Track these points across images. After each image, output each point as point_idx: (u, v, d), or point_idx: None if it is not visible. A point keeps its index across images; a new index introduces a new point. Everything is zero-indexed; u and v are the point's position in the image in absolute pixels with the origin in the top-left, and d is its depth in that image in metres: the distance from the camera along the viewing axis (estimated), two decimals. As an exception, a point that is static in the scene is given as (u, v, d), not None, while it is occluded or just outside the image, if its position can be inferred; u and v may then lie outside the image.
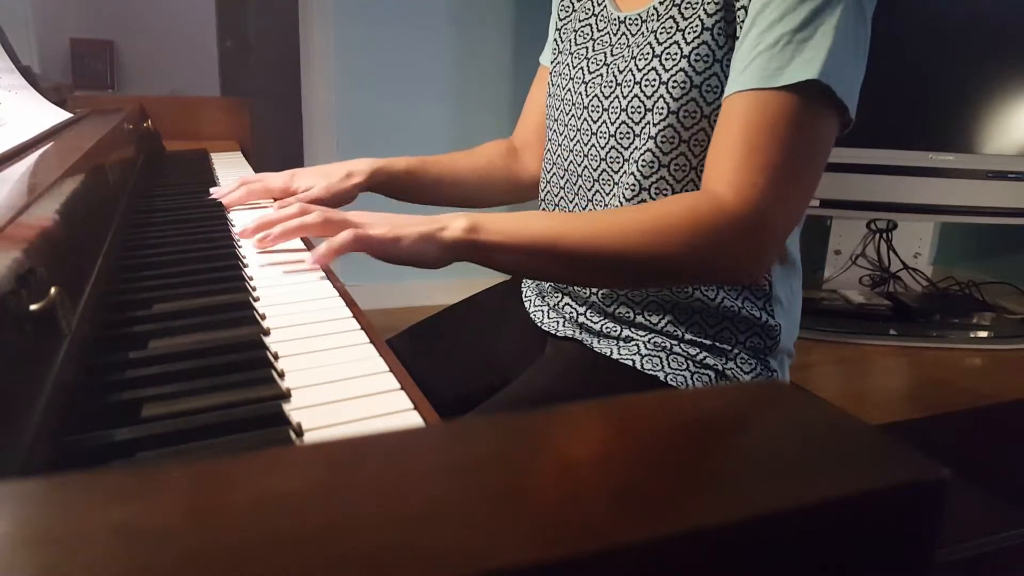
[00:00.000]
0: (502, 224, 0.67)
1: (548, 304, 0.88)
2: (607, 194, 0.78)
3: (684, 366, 0.75)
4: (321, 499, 0.18)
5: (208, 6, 3.27)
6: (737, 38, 0.69)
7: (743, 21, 0.68)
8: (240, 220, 0.85)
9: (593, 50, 0.81)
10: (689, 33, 0.71)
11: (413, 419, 0.43)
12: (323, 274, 0.67)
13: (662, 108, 0.72)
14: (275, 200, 0.90)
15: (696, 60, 0.70)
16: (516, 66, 2.61)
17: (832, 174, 2.23)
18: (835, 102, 0.65)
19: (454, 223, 0.67)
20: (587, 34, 0.83)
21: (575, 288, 0.82)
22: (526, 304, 0.91)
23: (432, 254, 0.67)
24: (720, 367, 0.76)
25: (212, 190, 0.93)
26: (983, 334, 2.23)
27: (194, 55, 3.23)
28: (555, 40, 0.89)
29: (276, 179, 0.90)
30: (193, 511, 0.17)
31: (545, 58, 0.95)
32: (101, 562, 0.15)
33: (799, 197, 0.67)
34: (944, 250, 2.76)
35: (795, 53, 0.63)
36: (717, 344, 0.76)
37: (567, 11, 0.87)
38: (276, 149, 2.86)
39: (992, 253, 2.68)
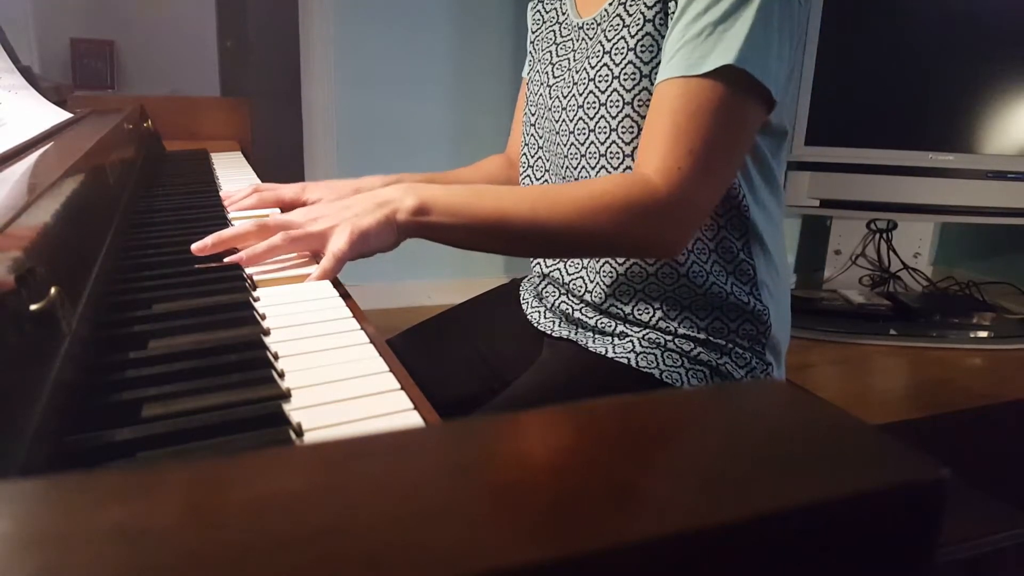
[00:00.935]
0: (448, 202, 0.69)
1: (544, 305, 0.88)
2: None
3: (679, 363, 0.76)
4: (321, 499, 0.18)
5: (208, 6, 3.27)
6: None
7: (673, 11, 0.72)
8: (241, 223, 0.85)
9: (557, 56, 0.86)
10: (633, 27, 0.75)
11: (413, 419, 0.43)
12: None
13: (617, 101, 0.76)
14: (283, 211, 0.90)
15: (642, 51, 0.74)
16: (516, 66, 2.61)
17: (832, 174, 2.23)
18: (755, 85, 0.69)
19: (403, 203, 0.68)
20: (551, 39, 0.88)
21: (571, 285, 0.84)
22: (523, 305, 0.92)
23: (390, 240, 0.68)
24: (715, 363, 0.77)
25: (222, 193, 0.93)
26: (983, 334, 2.23)
27: (194, 55, 3.23)
28: (530, 53, 0.94)
29: (288, 190, 0.90)
30: (193, 511, 0.17)
31: (525, 71, 0.99)
32: (101, 562, 0.15)
33: (721, 177, 0.72)
34: (944, 250, 2.76)
35: (716, 43, 0.68)
36: (711, 338, 0.77)
37: (538, 24, 0.92)
38: (276, 149, 2.86)
39: (992, 253, 2.68)
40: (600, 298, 0.81)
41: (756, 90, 0.69)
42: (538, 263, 0.92)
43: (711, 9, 0.68)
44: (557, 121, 0.83)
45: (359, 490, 0.18)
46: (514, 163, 1.02)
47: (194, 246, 0.68)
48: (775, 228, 0.81)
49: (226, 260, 0.67)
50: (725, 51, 0.67)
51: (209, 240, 0.68)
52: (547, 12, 0.90)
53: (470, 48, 2.56)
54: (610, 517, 0.17)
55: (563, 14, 0.87)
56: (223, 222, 0.82)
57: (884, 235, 2.46)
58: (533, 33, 0.93)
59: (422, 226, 0.69)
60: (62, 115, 0.92)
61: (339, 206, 0.70)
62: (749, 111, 0.71)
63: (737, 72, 0.67)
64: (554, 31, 0.88)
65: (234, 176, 1.13)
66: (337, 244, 0.66)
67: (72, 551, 0.16)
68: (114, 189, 0.78)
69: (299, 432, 0.40)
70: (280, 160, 2.60)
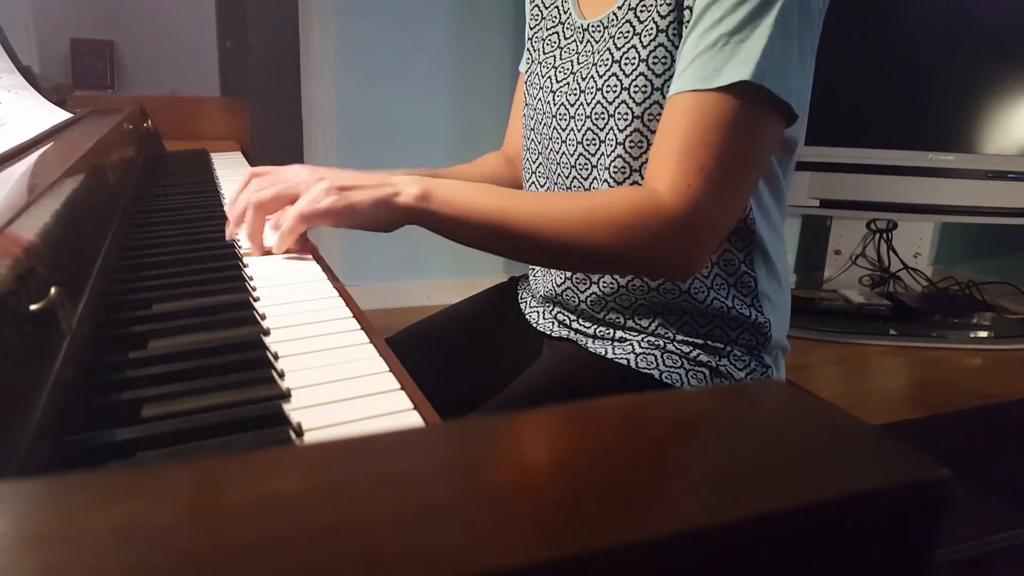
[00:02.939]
0: (453, 195, 0.68)
1: (543, 307, 0.88)
2: None
3: (678, 364, 0.76)
4: (321, 499, 0.18)
5: (208, 6, 3.27)
6: None
7: (688, 21, 0.69)
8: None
9: (560, 58, 0.82)
10: (645, 36, 0.71)
11: (413, 419, 0.43)
12: (323, 274, 0.67)
13: (626, 113, 0.73)
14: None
15: (654, 63, 0.71)
16: (516, 66, 2.61)
17: (832, 174, 2.23)
18: (774, 100, 0.65)
19: (408, 189, 0.67)
20: (554, 42, 0.84)
21: (564, 296, 0.82)
22: (522, 305, 0.92)
23: (386, 219, 0.68)
24: (714, 364, 0.76)
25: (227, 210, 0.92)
26: (983, 334, 2.23)
27: (194, 55, 3.23)
28: (528, 49, 0.90)
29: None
30: (193, 511, 0.17)
31: (522, 66, 0.95)
32: (101, 562, 0.15)
33: (735, 197, 0.68)
34: (944, 250, 2.76)
35: (731, 55, 0.64)
36: (710, 343, 0.77)
37: (536, 19, 0.88)
38: (276, 149, 2.86)
39: (992, 253, 2.68)
40: (599, 307, 0.80)
41: (775, 105, 0.66)
42: (532, 270, 0.91)
43: (726, 19, 0.65)
44: (564, 130, 0.80)
45: (359, 490, 0.18)
46: (512, 160, 1.01)
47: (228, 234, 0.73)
48: (778, 238, 0.80)
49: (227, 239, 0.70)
50: (741, 65, 0.64)
51: (231, 223, 0.72)
52: (547, 8, 0.86)
53: (470, 48, 2.56)
54: (610, 517, 0.17)
55: (564, 12, 0.83)
56: (223, 222, 0.81)
57: (884, 235, 2.46)
58: (531, 29, 0.89)
59: (423, 213, 0.67)
60: (62, 115, 0.91)
61: (340, 171, 0.70)
62: (766, 127, 0.67)
63: (754, 87, 0.64)
64: (557, 32, 0.84)
65: (234, 176, 1.13)
66: (316, 198, 0.66)
67: (72, 551, 0.16)
68: (114, 189, 0.78)
69: (299, 432, 0.40)
70: (280, 160, 2.59)
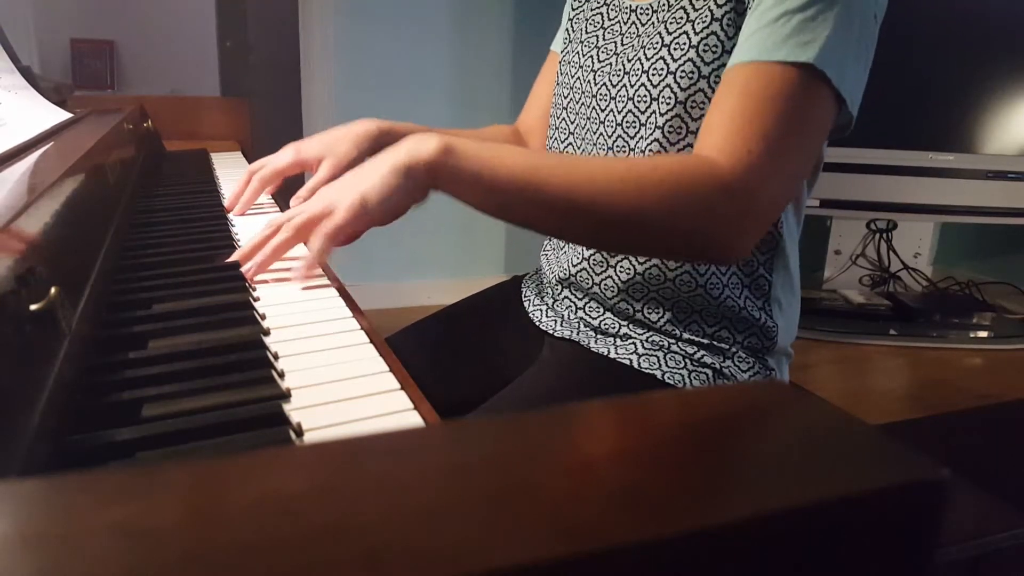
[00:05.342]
0: (477, 150, 0.61)
1: (547, 303, 0.88)
2: None
3: (682, 364, 0.75)
4: (321, 499, 0.18)
5: (208, 6, 3.27)
6: None
7: (744, 11, 0.67)
8: (240, 223, 0.85)
9: (603, 39, 0.81)
10: (699, 23, 0.70)
11: (413, 419, 0.43)
12: (323, 274, 0.67)
13: (669, 98, 0.71)
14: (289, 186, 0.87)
15: (704, 51, 0.69)
16: (516, 66, 2.61)
17: (832, 174, 2.23)
18: (832, 91, 0.63)
19: (423, 145, 0.60)
20: (598, 23, 0.83)
21: (579, 276, 0.81)
22: (525, 303, 0.91)
23: (407, 187, 0.60)
24: (718, 365, 0.76)
25: (226, 203, 0.89)
26: (983, 334, 2.23)
27: (194, 55, 3.23)
28: (567, 28, 0.89)
29: (282, 160, 0.85)
30: (193, 511, 0.17)
31: (556, 44, 0.94)
32: (101, 562, 0.15)
33: (792, 173, 0.65)
34: (944, 250, 2.76)
35: (795, 32, 0.62)
36: (715, 343, 0.77)
37: (580, 1, 0.87)
38: (276, 149, 2.85)
39: (992, 253, 2.68)
40: (612, 292, 0.78)
41: (831, 96, 0.63)
42: (544, 254, 0.90)
43: (788, 1, 0.63)
44: (603, 111, 0.77)
45: (359, 490, 0.18)
46: (522, 137, 0.99)
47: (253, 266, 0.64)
48: (795, 246, 0.79)
49: (244, 271, 0.64)
50: (805, 46, 0.61)
51: (235, 258, 0.65)
52: None
53: (470, 48, 2.56)
54: (610, 517, 0.17)
55: None
56: (223, 222, 0.82)
57: (884, 235, 2.46)
58: (574, 10, 0.88)
59: (444, 168, 0.60)
60: (62, 115, 0.91)
61: (349, 174, 0.64)
62: (824, 113, 0.64)
63: (817, 72, 0.61)
64: (601, 13, 0.82)
65: (234, 176, 1.13)
66: (332, 220, 0.60)
67: (72, 551, 0.16)
68: (114, 189, 0.78)
69: (299, 432, 0.40)
70: (280, 160, 2.59)
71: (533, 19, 2.47)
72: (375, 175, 0.60)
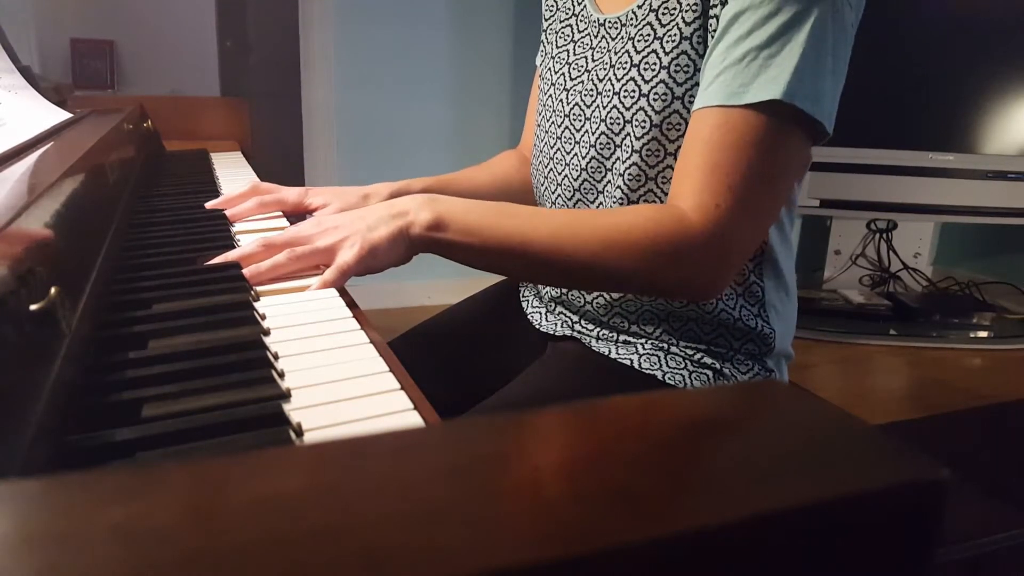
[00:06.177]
0: (466, 220, 0.66)
1: (546, 307, 0.87)
2: (591, 202, 0.78)
3: (682, 365, 0.75)
4: (321, 499, 0.18)
5: (208, 6, 3.27)
6: None
7: (715, 29, 0.66)
8: (247, 243, 0.84)
9: (574, 54, 0.79)
10: (668, 42, 0.69)
11: (413, 419, 0.43)
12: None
13: (644, 122, 0.70)
14: (285, 215, 0.86)
15: (676, 71, 0.69)
16: (516, 66, 2.61)
17: (832, 174, 2.23)
18: (804, 119, 0.63)
19: (419, 216, 0.65)
20: (568, 36, 0.81)
21: (569, 297, 0.81)
22: (524, 305, 0.91)
23: (404, 254, 0.66)
24: (718, 366, 0.76)
25: (220, 200, 0.87)
26: (983, 334, 2.23)
27: (194, 55, 3.23)
28: (542, 41, 0.88)
29: (290, 193, 0.85)
30: (193, 511, 0.17)
31: (538, 59, 0.92)
32: (101, 562, 0.15)
33: (763, 217, 0.67)
34: (944, 250, 2.76)
35: (760, 70, 0.62)
36: (713, 348, 0.77)
37: (551, 10, 0.86)
38: (276, 149, 2.86)
39: (992, 253, 2.68)
40: (604, 311, 0.78)
41: (805, 124, 0.64)
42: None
43: (756, 32, 0.62)
44: (578, 131, 0.77)
45: (359, 490, 0.18)
46: (527, 159, 0.98)
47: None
48: (788, 248, 0.79)
49: None
50: (771, 83, 0.61)
51: (216, 263, 0.65)
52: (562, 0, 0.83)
53: (470, 48, 2.56)
54: (610, 517, 0.17)
55: (579, 5, 0.80)
56: (223, 222, 0.81)
57: (884, 235, 2.46)
58: (546, 21, 0.86)
59: (437, 243, 0.66)
60: (62, 115, 0.91)
61: (352, 216, 0.67)
62: (795, 146, 0.65)
63: (785, 106, 0.61)
64: (571, 25, 0.81)
65: (234, 176, 1.13)
66: (344, 258, 0.63)
67: (72, 551, 0.16)
68: (114, 189, 0.78)
69: (299, 432, 0.40)
70: (280, 160, 2.60)
71: (533, 20, 2.47)
72: (384, 229, 0.64)
